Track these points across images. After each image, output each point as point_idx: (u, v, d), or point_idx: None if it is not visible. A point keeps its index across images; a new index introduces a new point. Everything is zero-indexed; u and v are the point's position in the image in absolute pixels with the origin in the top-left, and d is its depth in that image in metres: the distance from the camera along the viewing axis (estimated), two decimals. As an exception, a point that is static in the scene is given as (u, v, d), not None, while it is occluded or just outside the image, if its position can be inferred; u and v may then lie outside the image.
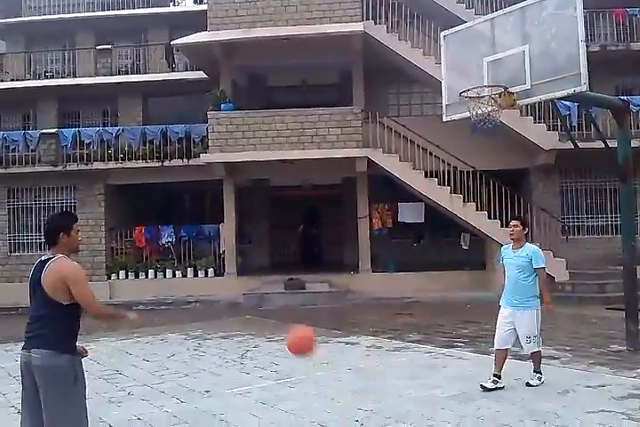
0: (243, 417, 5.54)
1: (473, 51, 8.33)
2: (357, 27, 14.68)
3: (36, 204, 17.11)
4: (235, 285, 15.19)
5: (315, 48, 14.80)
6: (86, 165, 16.62)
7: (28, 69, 20.03)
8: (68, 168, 16.65)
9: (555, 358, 7.11)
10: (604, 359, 7.24)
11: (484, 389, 6.09)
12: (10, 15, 20.69)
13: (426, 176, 14.63)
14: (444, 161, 14.64)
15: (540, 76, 7.45)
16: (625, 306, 8.22)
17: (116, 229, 16.67)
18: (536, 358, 6.34)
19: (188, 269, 15.99)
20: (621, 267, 8.32)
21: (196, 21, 16.48)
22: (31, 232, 17.09)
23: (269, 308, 13.72)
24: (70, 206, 16.76)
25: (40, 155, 17.12)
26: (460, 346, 8.60)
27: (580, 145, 9.73)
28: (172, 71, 18.97)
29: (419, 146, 14.79)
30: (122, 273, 15.94)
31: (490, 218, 14.31)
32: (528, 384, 6.24)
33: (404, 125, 14.97)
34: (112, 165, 16.55)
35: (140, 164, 16.39)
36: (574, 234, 15.10)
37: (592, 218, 15.60)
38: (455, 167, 14.57)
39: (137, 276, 16.04)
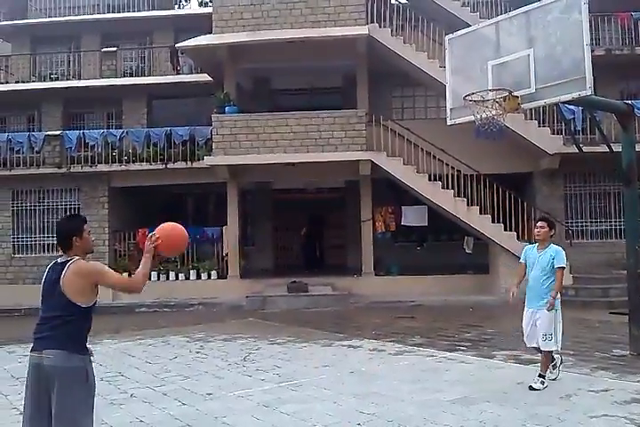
0: (244, 420, 5.53)
1: (477, 54, 8.33)
2: (362, 30, 14.70)
3: (40, 206, 17.14)
4: (237, 287, 15.18)
5: (319, 51, 14.83)
6: (90, 167, 16.65)
7: (33, 71, 20.12)
8: (72, 170, 16.69)
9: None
10: (607, 364, 7.22)
11: (532, 388, 6.16)
12: (16, 17, 20.83)
13: (430, 180, 14.62)
14: (447, 164, 14.63)
15: (545, 79, 7.44)
16: (628, 310, 8.19)
17: (119, 232, 16.69)
18: (547, 358, 6.32)
19: (191, 271, 15.99)
20: (625, 271, 8.30)
21: (200, 24, 16.55)
22: (35, 234, 17.12)
23: (272, 310, 13.71)
24: (74, 208, 16.81)
25: (44, 157, 17.17)
26: (462, 350, 8.58)
27: (585, 149, 9.69)
28: (177, 74, 19.03)
29: (422, 149, 14.79)
30: (124, 275, 15.91)
31: (493, 222, 14.30)
32: (531, 387, 6.21)
33: (407, 129, 14.97)
34: (116, 167, 16.59)
35: (144, 166, 16.43)
36: (578, 238, 15.07)
37: (596, 222, 15.57)
38: (459, 171, 14.56)
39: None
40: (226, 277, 15.80)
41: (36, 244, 17.08)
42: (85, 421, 3.66)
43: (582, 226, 15.53)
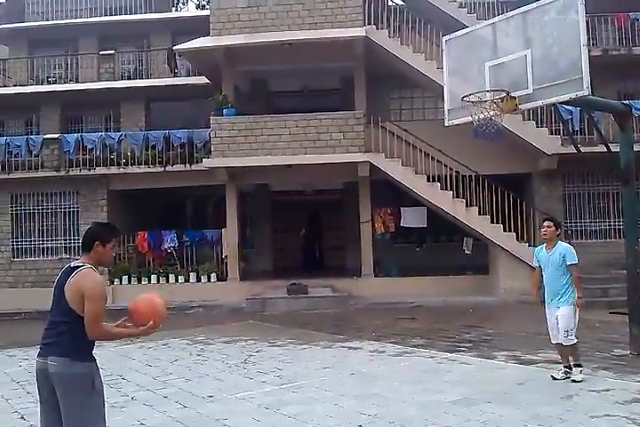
0: (246, 422, 5.53)
1: (475, 55, 8.33)
2: (359, 32, 14.71)
3: (38, 209, 17.13)
4: (237, 290, 15.18)
5: (317, 53, 14.84)
6: (89, 170, 16.64)
7: (30, 75, 20.13)
8: (70, 173, 16.67)
9: (558, 363, 7.07)
10: (607, 364, 7.22)
11: (555, 379, 6.50)
12: (13, 20, 20.81)
13: (428, 181, 14.64)
14: (446, 166, 14.65)
15: (542, 80, 7.46)
16: (628, 310, 8.21)
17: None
18: (574, 351, 6.57)
19: (191, 274, 15.99)
20: (625, 271, 8.31)
21: (198, 27, 16.57)
22: (34, 238, 17.10)
23: (272, 313, 13.70)
24: (73, 212, 16.81)
25: (43, 160, 17.16)
26: (463, 351, 8.58)
27: (583, 149, 9.70)
28: (175, 76, 19.06)
29: (421, 150, 14.81)
30: (124, 278, 15.93)
31: (493, 223, 14.31)
32: (574, 381, 6.41)
33: (405, 130, 14.99)
34: (114, 170, 16.58)
35: (143, 169, 16.43)
36: (577, 238, 15.07)
37: (595, 222, 15.58)
38: (457, 172, 14.58)
39: (139, 281, 16.03)
40: (225, 280, 15.80)
41: (35, 247, 17.06)
42: (94, 424, 3.61)
43: (581, 226, 15.54)
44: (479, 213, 14.36)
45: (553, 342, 6.75)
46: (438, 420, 5.35)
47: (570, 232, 14.74)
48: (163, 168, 16.31)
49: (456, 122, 8.53)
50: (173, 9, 22.76)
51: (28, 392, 6.96)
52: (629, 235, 8.44)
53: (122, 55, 20.30)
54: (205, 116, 16.05)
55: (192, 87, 17.89)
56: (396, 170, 14.75)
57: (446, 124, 8.73)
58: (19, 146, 17.01)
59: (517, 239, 14.26)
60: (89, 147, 16.85)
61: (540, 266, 6.80)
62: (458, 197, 14.47)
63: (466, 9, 16.19)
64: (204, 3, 29.69)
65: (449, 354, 8.33)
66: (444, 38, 8.89)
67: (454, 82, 8.60)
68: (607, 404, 5.66)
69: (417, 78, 15.45)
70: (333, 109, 15.53)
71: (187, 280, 15.94)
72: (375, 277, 15.44)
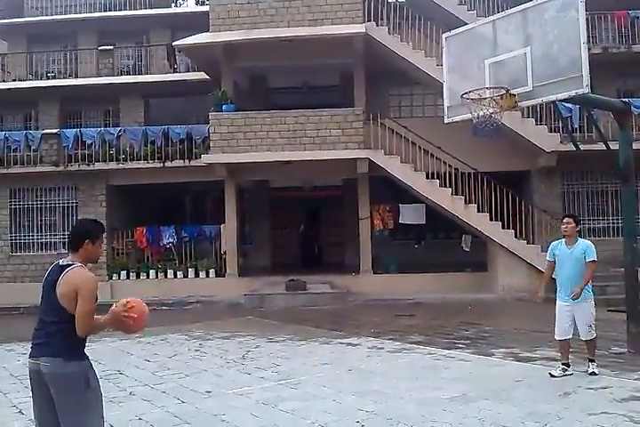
0: (244, 418, 5.54)
1: (474, 52, 8.32)
2: (359, 28, 14.69)
3: (37, 204, 17.12)
4: (236, 285, 15.18)
5: (316, 49, 14.82)
6: (88, 165, 16.62)
7: (29, 70, 20.07)
8: (69, 168, 16.66)
9: (556, 360, 7.09)
10: (605, 361, 7.22)
11: (552, 376, 6.56)
12: (12, 15, 20.74)
13: (427, 178, 14.64)
14: (445, 163, 14.66)
15: (542, 77, 7.45)
16: (626, 308, 8.23)
17: (117, 230, 16.67)
18: (592, 345, 6.72)
19: (190, 269, 15.99)
20: (623, 269, 8.31)
21: (197, 22, 16.52)
22: (33, 232, 17.10)
23: (271, 309, 13.71)
24: (72, 207, 16.80)
25: (42, 155, 17.15)
26: (461, 347, 8.60)
27: (582, 147, 9.69)
28: (174, 72, 19.01)
29: (420, 147, 14.81)
30: (123, 273, 15.95)
31: (491, 220, 14.33)
32: (593, 373, 6.55)
33: (405, 127, 14.98)
34: (113, 165, 16.57)
35: (142, 164, 16.41)
36: (580, 235, 15.07)
37: (594, 220, 15.60)
38: (457, 169, 14.58)
39: (138, 276, 16.04)
40: (224, 276, 15.81)
41: (33, 242, 17.06)
42: (93, 421, 3.59)
43: (580, 224, 15.52)
44: (478, 211, 14.37)
45: (558, 338, 6.74)
46: (436, 416, 5.36)
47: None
48: (162, 164, 16.29)
49: (455, 119, 8.52)
50: (173, 4, 22.61)
51: (26, 387, 6.92)
52: (628, 233, 8.46)
53: (121, 51, 20.25)
54: (204, 111, 16.03)
55: (191, 83, 17.86)
56: (395, 167, 14.75)
57: (446, 122, 8.73)
58: (17, 141, 16.99)
59: (516, 237, 14.28)
60: (88, 142, 16.83)
61: (553, 261, 6.83)
62: (457, 194, 14.47)
63: (466, 6, 16.15)
64: (204, -2, 29.66)
65: (447, 351, 8.35)
66: (444, 35, 8.87)
67: (454, 79, 8.60)
68: (605, 401, 5.68)
69: (417, 75, 15.44)
70: (333, 106, 15.51)
71: (185, 276, 15.95)
72: (374, 273, 15.46)
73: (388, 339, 9.44)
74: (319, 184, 17.83)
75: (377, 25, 15.16)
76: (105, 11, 20.85)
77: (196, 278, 15.91)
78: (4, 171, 16.79)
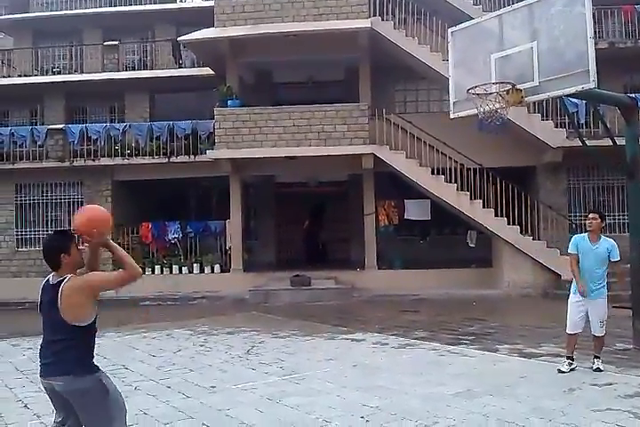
0: (248, 413, 5.54)
1: (480, 47, 8.28)
2: (364, 23, 14.64)
3: (43, 199, 17.19)
4: (241, 281, 15.21)
5: (321, 44, 14.78)
6: (93, 160, 16.68)
7: (35, 65, 20.11)
8: (75, 164, 16.71)
9: (561, 356, 7.08)
10: (610, 358, 7.20)
11: (561, 371, 6.57)
12: (17, 11, 20.78)
13: (432, 173, 14.61)
14: (450, 158, 14.61)
15: (548, 72, 7.40)
16: (632, 304, 8.20)
17: (122, 225, 16.71)
18: (601, 342, 6.75)
19: (195, 265, 16.03)
20: (629, 265, 8.28)
21: (203, 18, 16.50)
22: (38, 228, 17.17)
23: (275, 304, 13.73)
24: (77, 202, 16.83)
25: (47, 150, 17.20)
26: (465, 343, 8.59)
27: (588, 142, 9.65)
28: (179, 67, 19.03)
29: (425, 143, 14.77)
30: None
31: (497, 216, 14.29)
32: (598, 369, 6.56)
33: (410, 122, 14.94)
34: (119, 160, 16.61)
35: (147, 160, 16.45)
36: (581, 232, 15.01)
37: (600, 216, 15.51)
38: (462, 164, 14.54)
39: (143, 271, 15.96)
40: (229, 271, 15.84)
41: (39, 237, 17.11)
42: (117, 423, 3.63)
43: (586, 219, 15.46)
44: (483, 206, 14.33)
45: (569, 331, 6.71)
46: (440, 412, 5.35)
47: (574, 226, 14.70)
48: (167, 159, 16.33)
49: (461, 114, 8.48)
50: (178, 0, 22.60)
51: (31, 381, 6.99)
52: (634, 229, 8.42)
53: (126, 46, 20.26)
54: (210, 107, 16.02)
55: (196, 78, 17.85)
56: (400, 162, 14.73)
57: (451, 117, 8.69)
58: (23, 136, 17.05)
59: (521, 232, 14.24)
60: (93, 137, 16.88)
61: (577, 254, 6.79)
62: (462, 189, 14.44)
63: (472, 0, 16.08)
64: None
65: (451, 347, 8.34)
66: (450, 30, 8.83)
67: (460, 74, 8.56)
68: (609, 398, 5.66)
69: (422, 70, 15.39)
70: (338, 101, 15.47)
71: (190, 271, 16.00)
72: (379, 269, 15.46)
73: (393, 334, 9.44)
74: (324, 180, 17.83)
75: (382, 20, 15.12)
76: (110, 6, 20.87)
77: (201, 274, 15.95)
78: (10, 166, 16.86)
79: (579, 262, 6.75)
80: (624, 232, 13.64)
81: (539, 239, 14.33)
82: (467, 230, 15.58)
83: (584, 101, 13.39)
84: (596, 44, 7.43)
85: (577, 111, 14.28)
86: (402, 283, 14.66)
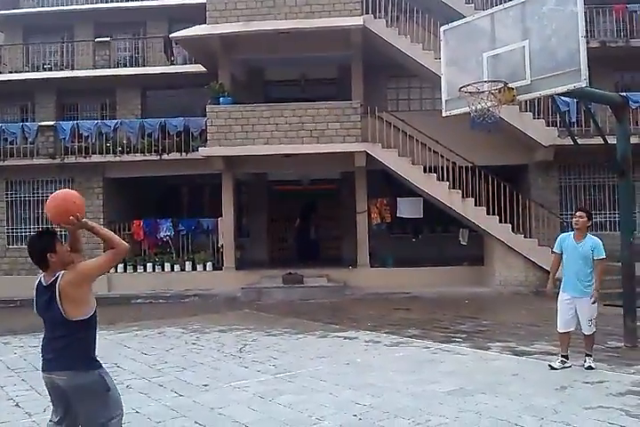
0: (241, 411, 5.54)
1: (473, 46, 8.30)
2: (357, 21, 14.63)
3: (34, 196, 17.08)
4: (233, 279, 15.19)
5: (314, 42, 14.78)
6: (84, 157, 16.58)
7: (26, 62, 19.96)
8: (66, 161, 16.62)
9: (552, 354, 7.12)
10: (602, 356, 7.24)
11: (552, 368, 6.64)
12: (8, 7, 20.60)
13: (425, 171, 14.63)
14: (442, 156, 14.63)
15: (540, 71, 7.43)
16: (623, 302, 8.24)
17: (114, 223, 16.63)
18: (591, 340, 6.76)
19: (187, 262, 15.99)
20: (620, 263, 8.33)
21: (195, 14, 16.42)
22: (29, 225, 17.07)
23: (268, 302, 13.73)
24: (68, 199, 16.72)
25: (38, 147, 17.10)
26: (458, 341, 8.61)
27: (579, 141, 9.70)
28: (171, 64, 18.91)
29: (418, 141, 14.78)
30: (120, 266, 15.91)
31: (488, 214, 14.33)
32: (590, 368, 6.58)
33: (403, 120, 14.95)
34: (110, 158, 16.52)
35: (139, 157, 16.37)
36: (573, 230, 15.11)
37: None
38: (454, 163, 14.57)
39: (135, 269, 16.03)
40: (221, 269, 15.81)
41: (30, 235, 16.98)
42: (114, 419, 3.65)
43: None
44: (475, 205, 14.37)
45: (560, 330, 6.77)
46: (432, 410, 5.37)
47: (565, 224, 14.76)
48: (159, 156, 16.26)
49: (453, 112, 8.50)
50: (170, -4, 22.48)
51: (22, 380, 6.98)
52: (625, 227, 8.47)
53: (118, 42, 20.13)
54: (202, 104, 15.99)
55: (188, 75, 17.77)
56: (392, 160, 14.73)
57: (443, 115, 8.71)
58: (14, 133, 16.94)
59: (513, 231, 14.29)
60: (84, 134, 16.78)
61: (560, 253, 6.84)
62: (454, 187, 14.46)
63: (464, -1, 16.10)
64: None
65: (444, 345, 8.36)
66: (442, 28, 8.83)
67: (452, 72, 8.58)
68: (601, 396, 5.69)
69: (414, 68, 15.40)
70: (330, 99, 15.49)
71: (182, 269, 15.96)
72: (371, 267, 15.48)
73: (385, 333, 9.45)
74: (317, 177, 17.82)
75: (375, 17, 15.10)
76: (102, 2, 20.70)
77: (193, 272, 15.91)
78: (0, 163, 16.75)
79: (565, 261, 6.80)
80: (615, 230, 13.73)
81: (530, 237, 14.38)
82: (459, 229, 15.62)
83: (575, 100, 13.47)
84: (587, 42, 7.44)
85: (568, 110, 14.36)
86: (394, 281, 14.67)
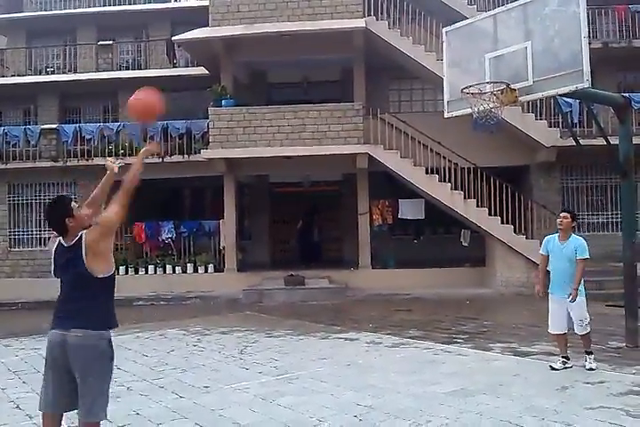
0: (242, 413, 5.52)
1: (475, 47, 8.29)
2: (359, 23, 14.65)
3: (36, 199, 17.13)
4: (234, 281, 15.18)
5: (316, 44, 14.79)
6: (87, 160, 16.62)
7: (29, 65, 20.04)
8: (68, 164, 16.66)
9: (554, 355, 7.09)
10: (603, 356, 7.22)
11: (553, 369, 6.62)
12: (11, 10, 20.70)
13: (426, 173, 14.62)
14: (444, 158, 14.62)
15: (542, 72, 7.42)
16: (624, 303, 8.21)
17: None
18: (587, 339, 6.70)
19: (188, 264, 16.00)
20: (621, 264, 8.30)
21: (197, 17, 16.49)
22: (31, 228, 17.10)
23: (269, 304, 13.71)
24: (71, 202, 16.75)
25: (41, 150, 17.15)
26: (459, 342, 8.59)
27: (582, 142, 9.69)
28: (174, 67, 19.00)
29: (419, 142, 14.77)
30: (122, 269, 15.92)
31: (490, 215, 14.30)
32: (591, 369, 6.52)
33: (404, 122, 14.95)
34: (113, 161, 16.50)
35: (141, 159, 16.35)
36: (575, 231, 15.06)
37: (593, 215, 15.61)
38: (456, 164, 14.56)
39: (137, 271, 16.04)
40: (223, 271, 15.81)
41: (32, 238, 17.07)
42: (107, 390, 3.78)
43: (579, 218, 15.48)
44: (477, 206, 14.35)
45: (553, 332, 6.77)
46: (434, 411, 5.35)
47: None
48: (161, 159, 16.25)
49: (455, 114, 8.49)
50: (172, -1, 22.58)
51: (24, 382, 6.97)
52: (627, 228, 8.44)
53: (120, 45, 20.21)
54: (204, 106, 16.02)
55: (191, 78, 17.82)
56: (394, 162, 14.73)
57: (445, 116, 8.69)
58: (17, 136, 17.00)
59: (515, 232, 14.26)
60: (87, 137, 16.84)
61: (547, 255, 6.83)
62: (456, 189, 14.45)
63: (466, 0, 16.10)
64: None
65: (445, 346, 8.34)
66: (444, 30, 8.83)
67: (454, 73, 8.57)
68: (602, 396, 5.66)
69: (416, 70, 15.41)
70: (332, 101, 15.48)
71: (184, 271, 15.96)
72: (372, 268, 15.46)
73: (386, 334, 9.43)
74: (318, 179, 17.81)
75: (377, 19, 15.13)
76: (104, 5, 20.81)
77: (194, 274, 15.91)
78: (3, 166, 16.82)
79: (551, 263, 6.79)
80: (617, 231, 13.69)
81: (532, 238, 14.33)
82: (460, 230, 15.59)
83: (578, 101, 13.45)
84: (589, 43, 7.43)
85: (571, 111, 14.34)
86: (395, 282, 14.66)
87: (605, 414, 5.10)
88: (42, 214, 16.98)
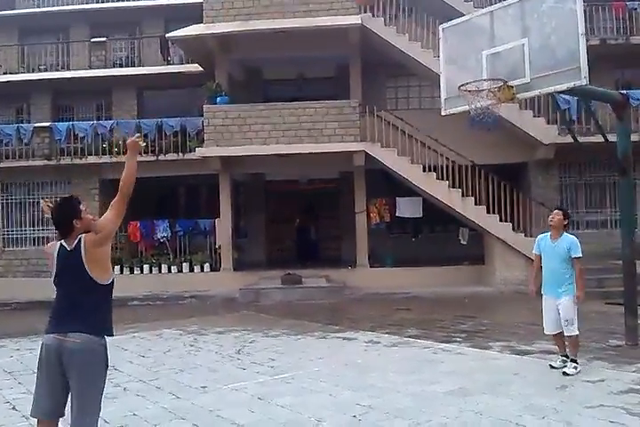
0: (239, 413, 5.47)
1: (472, 44, 8.24)
2: (355, 19, 14.58)
3: (29, 198, 17.02)
4: (231, 280, 15.11)
5: (312, 41, 14.70)
6: (80, 159, 16.52)
7: (21, 62, 19.88)
8: (61, 162, 16.55)
9: (553, 353, 7.06)
10: (602, 354, 7.21)
11: (553, 367, 6.57)
12: (3, 7, 20.54)
13: (424, 170, 14.56)
14: (442, 155, 14.57)
15: (540, 69, 7.38)
16: (624, 301, 8.19)
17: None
18: (574, 342, 6.51)
19: (184, 264, 15.91)
20: (621, 261, 8.28)
21: (191, 14, 16.39)
22: (25, 227, 17.00)
23: (266, 303, 13.65)
24: (65, 201, 16.67)
25: (34, 149, 17.03)
26: (458, 341, 8.55)
27: (580, 139, 9.68)
28: (168, 64, 18.87)
29: (417, 140, 14.72)
30: (117, 268, 15.81)
31: (488, 213, 14.27)
32: (565, 373, 6.35)
33: (402, 119, 14.88)
34: (106, 159, 16.45)
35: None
36: (573, 228, 15.02)
37: (591, 212, 15.60)
38: (454, 161, 14.51)
39: (132, 271, 15.95)
40: (219, 270, 15.73)
41: (25, 237, 16.97)
42: (99, 403, 3.71)
43: (577, 216, 15.53)
44: (475, 203, 14.31)
45: (547, 332, 6.72)
46: (433, 410, 5.31)
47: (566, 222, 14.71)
48: (155, 157, 16.18)
49: (453, 111, 8.44)
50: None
51: (19, 383, 6.91)
52: (625, 225, 8.41)
53: (114, 43, 20.06)
54: (199, 104, 15.95)
55: (185, 75, 17.71)
56: (391, 159, 14.67)
57: (443, 114, 8.63)
58: (9, 134, 16.86)
59: (513, 229, 14.23)
60: (80, 135, 16.71)
61: (540, 254, 6.75)
62: (454, 186, 14.40)
63: (463, -3, 16.05)
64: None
65: (444, 344, 8.30)
66: (441, 26, 8.76)
67: (451, 71, 8.51)
68: (602, 394, 5.64)
69: (413, 67, 15.35)
70: (329, 98, 15.41)
71: (180, 270, 15.87)
72: (370, 267, 15.41)
73: (385, 333, 9.39)
74: (315, 177, 17.74)
75: (373, 16, 15.06)
76: (97, 2, 20.66)
77: (190, 273, 15.83)
78: (-4, 165, 16.68)
79: (543, 262, 6.71)
80: (616, 228, 13.70)
81: (531, 236, 14.28)
82: (458, 228, 15.56)
83: (575, 98, 13.40)
84: (587, 40, 7.39)
85: (568, 108, 14.30)
86: (394, 281, 14.61)
87: (605, 413, 5.08)
88: (36, 213, 16.92)
